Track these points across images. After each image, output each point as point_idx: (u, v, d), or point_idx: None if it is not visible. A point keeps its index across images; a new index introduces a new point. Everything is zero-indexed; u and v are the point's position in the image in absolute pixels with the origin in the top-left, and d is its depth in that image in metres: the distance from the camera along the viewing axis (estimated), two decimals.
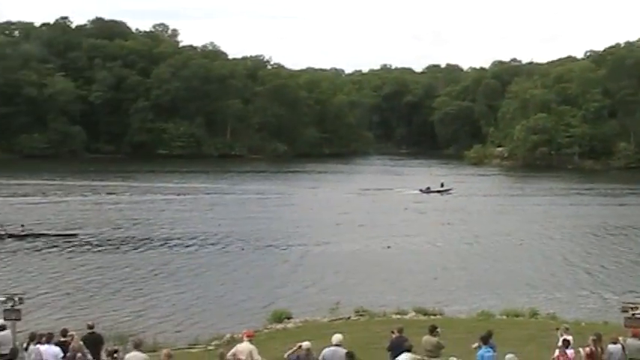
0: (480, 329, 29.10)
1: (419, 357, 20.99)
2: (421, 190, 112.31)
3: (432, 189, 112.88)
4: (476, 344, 22.05)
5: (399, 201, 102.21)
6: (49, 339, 22.60)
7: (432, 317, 37.13)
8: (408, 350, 20.95)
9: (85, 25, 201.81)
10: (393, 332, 23.73)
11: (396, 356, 21.63)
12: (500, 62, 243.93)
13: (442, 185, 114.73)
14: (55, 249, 62.69)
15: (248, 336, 22.01)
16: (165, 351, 20.76)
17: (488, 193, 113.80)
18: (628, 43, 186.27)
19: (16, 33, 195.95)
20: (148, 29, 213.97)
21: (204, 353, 32.09)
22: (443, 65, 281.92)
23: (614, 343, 23.05)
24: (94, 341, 23.43)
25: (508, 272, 57.53)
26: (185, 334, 38.31)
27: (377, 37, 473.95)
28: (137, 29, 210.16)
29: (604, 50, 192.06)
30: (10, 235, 66.35)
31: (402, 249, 67.12)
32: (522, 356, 22.58)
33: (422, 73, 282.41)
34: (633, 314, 26.16)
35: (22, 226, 68.19)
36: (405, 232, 76.00)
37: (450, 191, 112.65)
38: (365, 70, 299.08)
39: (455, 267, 59.60)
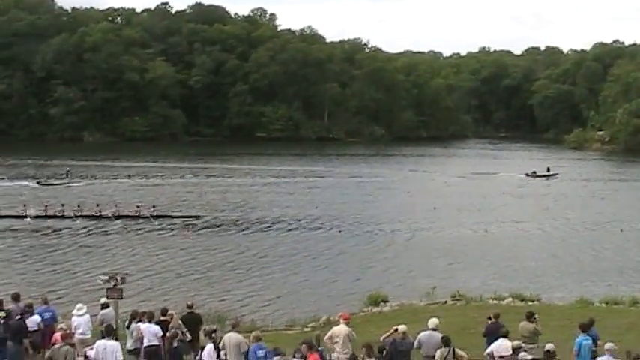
0: (578, 317, 28.80)
1: (515, 343, 20.88)
2: (527, 175, 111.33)
3: (538, 173, 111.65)
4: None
5: (500, 185, 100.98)
6: (150, 317, 23.15)
7: (529, 303, 36.83)
8: (504, 336, 20.89)
9: (185, 10, 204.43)
10: (489, 318, 23.70)
11: (492, 342, 21.61)
12: (602, 44, 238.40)
13: (548, 170, 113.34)
14: (160, 231, 63.88)
15: (344, 318, 22.16)
16: (255, 333, 21.09)
17: (589, 178, 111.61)
18: None
19: (119, 19, 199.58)
20: (246, 13, 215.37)
21: (301, 335, 32.29)
22: (542, 48, 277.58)
23: None
24: (192, 320, 23.92)
25: (607, 259, 56.53)
26: (282, 315, 38.70)
27: (475, 20, 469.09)
28: (236, 14, 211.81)
29: None
30: (141, 217, 68.64)
31: (500, 234, 66.58)
32: (622, 345, 22.26)
33: (521, 55, 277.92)
34: None
35: (154, 207, 70.35)
36: (503, 216, 75.20)
37: (556, 176, 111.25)
38: (463, 53, 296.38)
39: (553, 253, 58.85)
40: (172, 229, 64.73)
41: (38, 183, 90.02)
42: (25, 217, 67.18)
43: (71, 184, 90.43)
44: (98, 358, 19.56)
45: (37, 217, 67.28)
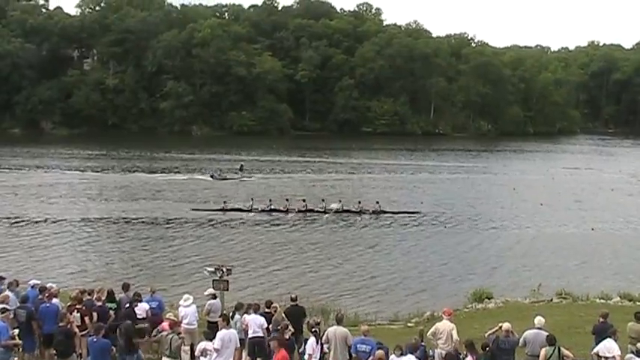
0: None
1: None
2: None
3: None
4: None
5: (610, 182, 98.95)
6: (255, 309, 23.60)
7: (638, 304, 36.17)
8: (611, 337, 20.65)
9: (292, 5, 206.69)
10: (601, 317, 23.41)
11: (599, 342, 21.40)
12: None
13: None
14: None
15: (447, 314, 22.20)
16: (364, 327, 21.27)
17: None
18: None
19: (226, 15, 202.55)
20: (352, 8, 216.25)
21: (404, 330, 32.41)
22: None
23: None
24: (296, 313, 24.19)
25: None
26: (386, 310, 38.78)
27: (584, 13, 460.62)
28: (342, 9, 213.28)
29: None
30: (362, 212, 69.97)
31: (609, 232, 65.32)
32: None
33: (631, 49, 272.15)
34: None
35: (377, 202, 71.19)
36: (612, 214, 73.77)
37: None
38: (571, 47, 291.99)
39: None
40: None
41: (212, 177, 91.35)
42: (250, 210, 69.31)
43: (244, 179, 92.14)
44: (224, 347, 20.02)
45: (262, 210, 69.47)
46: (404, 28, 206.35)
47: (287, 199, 71.44)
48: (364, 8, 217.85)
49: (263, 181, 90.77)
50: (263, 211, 69.02)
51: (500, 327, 20.89)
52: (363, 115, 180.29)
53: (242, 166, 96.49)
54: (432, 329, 21.62)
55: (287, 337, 21.38)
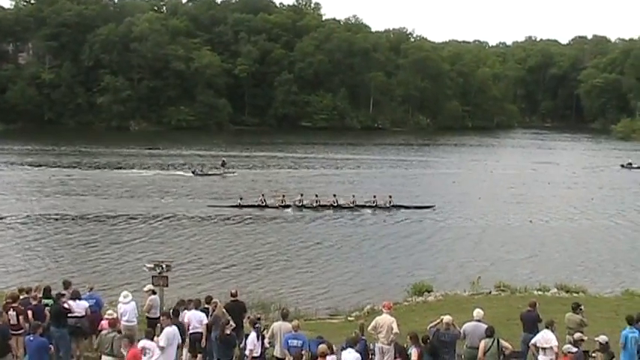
0: (625, 309, 28.72)
1: (577, 336, 20.90)
2: (622, 166, 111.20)
3: (634, 165, 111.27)
4: None
5: (549, 176, 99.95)
6: (196, 305, 23.45)
7: (575, 295, 36.66)
8: (547, 327, 20.87)
9: None
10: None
11: (529, 330, 21.83)
12: None
13: None
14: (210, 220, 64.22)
15: (387, 308, 22.20)
16: (295, 323, 21.20)
17: (629, 169, 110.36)
18: None
19: (164, 9, 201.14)
20: (291, 3, 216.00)
21: (345, 324, 32.43)
22: (589, 37, 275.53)
23: None
24: (236, 309, 24.04)
25: None
26: (327, 304, 38.78)
27: (521, 9, 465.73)
28: (281, 3, 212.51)
29: None
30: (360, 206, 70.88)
31: (545, 224, 66.14)
32: None
33: (567, 44, 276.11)
34: None
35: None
36: (548, 207, 74.68)
37: None
38: (509, 42, 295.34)
39: (599, 244, 58.28)
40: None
41: (193, 173, 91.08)
42: (288, 206, 70.04)
43: (226, 174, 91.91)
44: (170, 344, 19.77)
45: (301, 206, 70.10)
46: (343, 23, 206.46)
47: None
48: (303, 3, 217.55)
49: (244, 177, 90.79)
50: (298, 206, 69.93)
51: (442, 320, 20.95)
52: (302, 110, 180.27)
53: (224, 161, 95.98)
54: (373, 323, 21.59)
55: (228, 332, 21.26)
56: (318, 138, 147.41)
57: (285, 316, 21.73)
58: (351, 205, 70.39)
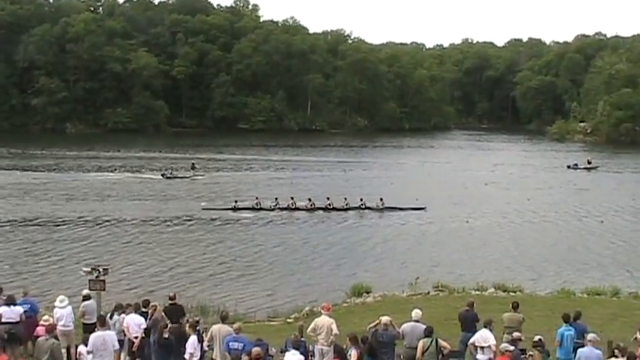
0: (561, 307, 29.07)
1: (516, 335, 21.16)
2: (568, 167, 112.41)
3: (580, 166, 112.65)
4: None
5: (484, 176, 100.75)
6: (134, 309, 23.20)
7: (512, 294, 37.09)
8: (485, 327, 21.02)
9: (168, 0, 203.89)
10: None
11: (467, 329, 22.21)
12: (584, 36, 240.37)
13: (589, 162, 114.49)
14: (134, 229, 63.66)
15: (327, 309, 22.19)
16: (236, 325, 21.07)
17: (573, 169, 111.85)
18: None
19: (101, 10, 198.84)
20: (229, 4, 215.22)
21: (284, 326, 32.37)
22: (525, 39, 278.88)
23: None
24: (175, 312, 23.85)
25: (589, 250, 56.69)
26: (266, 306, 38.70)
27: (458, 11, 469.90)
28: (218, 5, 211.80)
29: None
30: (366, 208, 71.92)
31: (482, 224, 66.71)
32: (604, 335, 22.46)
33: (503, 47, 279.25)
34: None
35: (381, 199, 72.49)
36: (485, 207, 75.34)
37: (597, 168, 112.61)
38: (446, 44, 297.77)
39: (537, 243, 59.00)
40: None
41: (163, 175, 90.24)
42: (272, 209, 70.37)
43: (196, 177, 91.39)
44: (97, 350, 19.46)
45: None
46: (281, 25, 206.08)
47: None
48: (241, 4, 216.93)
49: (215, 180, 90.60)
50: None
51: (380, 320, 20.99)
52: (240, 112, 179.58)
53: (194, 164, 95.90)
54: (312, 325, 21.54)
55: (166, 336, 21.05)
56: (256, 140, 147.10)
57: (224, 319, 21.54)
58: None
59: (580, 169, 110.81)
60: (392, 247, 56.68)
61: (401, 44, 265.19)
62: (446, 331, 24.57)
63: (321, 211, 70.22)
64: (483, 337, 20.55)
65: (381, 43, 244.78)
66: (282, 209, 70.24)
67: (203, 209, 68.92)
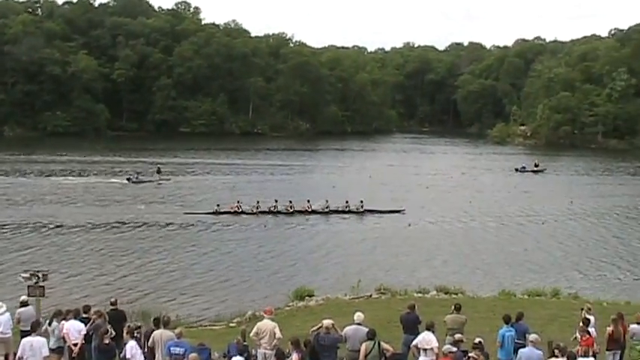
0: (502, 308, 29.34)
1: (458, 336, 21.24)
2: (516, 170, 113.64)
3: (527, 168, 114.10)
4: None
5: (428, 179, 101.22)
6: (74, 315, 22.87)
7: (454, 296, 37.32)
8: (428, 329, 21.10)
9: (108, 3, 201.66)
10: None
11: (409, 331, 22.43)
12: (524, 40, 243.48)
13: (536, 165, 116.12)
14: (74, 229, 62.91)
15: (269, 313, 22.14)
16: (177, 330, 20.91)
17: (513, 172, 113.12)
18: None
19: (39, 11, 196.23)
20: (170, 7, 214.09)
21: (227, 330, 32.23)
22: (466, 43, 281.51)
23: (639, 323, 23.08)
24: (116, 317, 23.61)
25: (530, 252, 57.30)
26: (209, 311, 38.56)
27: (400, 15, 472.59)
28: (159, 7, 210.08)
29: (629, 29, 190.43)
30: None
31: (424, 227, 67.08)
32: (545, 335, 22.68)
33: (445, 51, 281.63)
34: None
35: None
36: (427, 210, 75.61)
37: (544, 171, 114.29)
38: (388, 48, 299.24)
39: (477, 246, 59.49)
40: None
41: (128, 180, 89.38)
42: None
43: (162, 182, 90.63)
44: (25, 355, 19.20)
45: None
46: (222, 28, 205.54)
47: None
48: (182, 7, 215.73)
49: (182, 184, 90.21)
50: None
51: (322, 324, 20.96)
52: (181, 115, 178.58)
53: (159, 168, 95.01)
54: (255, 329, 21.50)
55: (107, 341, 20.81)
56: (198, 144, 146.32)
57: (165, 324, 21.39)
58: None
59: (527, 171, 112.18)
60: (336, 250, 56.72)
61: (343, 48, 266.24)
62: (388, 333, 24.63)
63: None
64: (426, 339, 20.63)
65: (323, 47, 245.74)
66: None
67: (185, 214, 69.16)
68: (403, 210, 73.28)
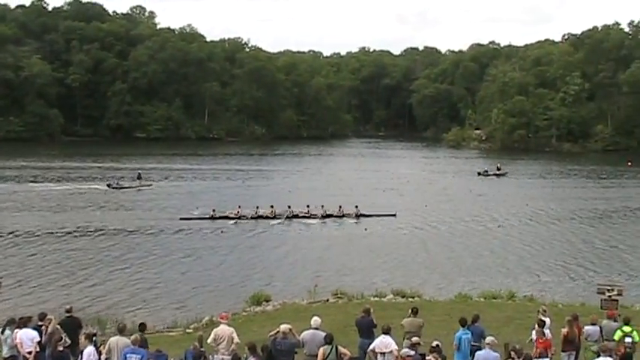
0: (458, 311, 29.46)
1: (415, 339, 21.27)
2: (479, 173, 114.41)
3: (490, 172, 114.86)
4: None
5: (383, 183, 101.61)
6: (26, 323, 22.57)
7: (410, 299, 37.42)
8: (385, 333, 21.13)
9: (62, 7, 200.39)
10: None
11: (364, 335, 22.54)
12: (479, 45, 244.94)
13: (498, 168, 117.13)
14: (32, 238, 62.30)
15: (225, 318, 22.09)
16: (133, 337, 20.74)
17: (468, 175, 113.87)
18: (605, 27, 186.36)
19: None
20: (125, 11, 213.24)
21: (184, 336, 32.08)
22: (421, 48, 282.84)
23: (593, 324, 23.30)
24: (71, 325, 23.36)
25: (486, 255, 57.66)
26: (164, 317, 38.30)
27: (356, 20, 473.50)
28: (114, 11, 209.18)
29: (582, 34, 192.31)
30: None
31: (380, 231, 67.20)
32: (501, 338, 22.81)
33: (400, 55, 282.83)
34: (609, 296, 26.46)
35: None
36: (383, 213, 75.78)
37: (507, 174, 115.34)
38: (343, 52, 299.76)
39: (433, 249, 59.69)
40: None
41: (109, 186, 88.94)
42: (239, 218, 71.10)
43: (142, 187, 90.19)
44: None
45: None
46: (178, 32, 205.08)
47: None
48: (137, 11, 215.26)
49: (161, 190, 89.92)
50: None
51: (280, 329, 20.93)
52: (137, 121, 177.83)
53: (139, 174, 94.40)
54: (212, 335, 21.41)
55: (61, 349, 20.62)
56: (154, 149, 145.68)
57: (121, 331, 21.22)
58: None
59: (490, 175, 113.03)
60: (290, 255, 56.70)
61: (298, 52, 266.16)
62: (345, 338, 24.62)
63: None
64: (384, 342, 20.64)
65: (278, 52, 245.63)
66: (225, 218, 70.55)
67: (180, 219, 69.24)
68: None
